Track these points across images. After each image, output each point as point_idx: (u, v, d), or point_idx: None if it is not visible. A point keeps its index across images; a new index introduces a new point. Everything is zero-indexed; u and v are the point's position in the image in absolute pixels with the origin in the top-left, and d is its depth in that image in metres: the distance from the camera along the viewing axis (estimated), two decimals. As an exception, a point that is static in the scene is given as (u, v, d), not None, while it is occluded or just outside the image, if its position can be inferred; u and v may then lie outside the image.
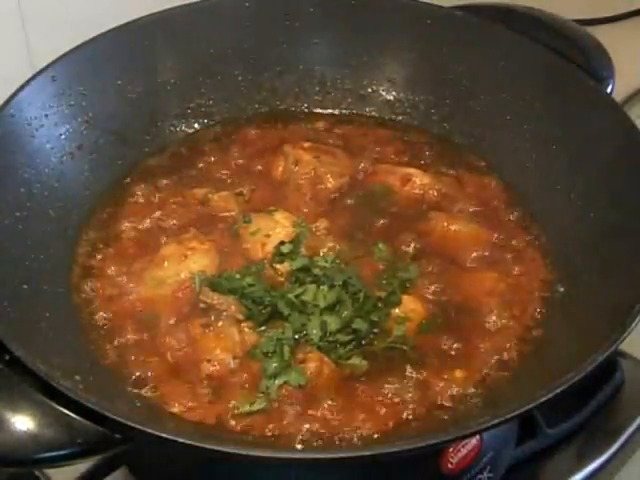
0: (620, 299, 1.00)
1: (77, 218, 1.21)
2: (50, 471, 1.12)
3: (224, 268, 1.15)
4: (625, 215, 1.12)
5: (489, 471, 1.13)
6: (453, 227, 1.22)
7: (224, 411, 1.00)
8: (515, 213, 1.26)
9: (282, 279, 1.14)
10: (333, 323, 1.06)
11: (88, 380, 0.94)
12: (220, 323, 1.08)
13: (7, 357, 0.90)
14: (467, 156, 1.36)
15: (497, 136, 1.35)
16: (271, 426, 0.98)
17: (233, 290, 1.11)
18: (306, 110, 1.45)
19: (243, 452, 0.85)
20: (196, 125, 1.40)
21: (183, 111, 1.39)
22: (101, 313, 1.11)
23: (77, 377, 0.92)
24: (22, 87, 1.20)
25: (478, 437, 1.11)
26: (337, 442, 0.97)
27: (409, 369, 1.05)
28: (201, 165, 1.33)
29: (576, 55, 1.28)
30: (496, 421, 0.87)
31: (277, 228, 1.19)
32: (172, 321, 1.10)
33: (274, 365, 1.03)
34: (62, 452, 0.86)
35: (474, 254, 1.20)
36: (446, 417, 1.00)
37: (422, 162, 1.34)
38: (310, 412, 1.00)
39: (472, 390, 1.03)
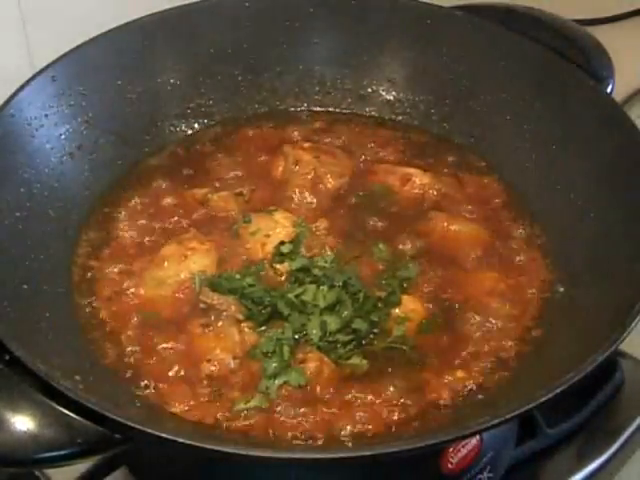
0: (620, 299, 1.00)
1: (77, 218, 1.21)
2: (50, 471, 1.12)
3: (224, 268, 1.15)
4: (625, 215, 1.12)
5: (489, 471, 1.13)
6: (453, 227, 1.22)
7: (224, 411, 1.00)
8: (515, 213, 1.26)
9: (282, 279, 1.14)
10: (333, 323, 1.06)
11: (88, 380, 0.94)
12: (220, 323, 1.08)
13: (7, 357, 0.90)
14: (467, 156, 1.36)
15: (497, 136, 1.35)
16: (271, 426, 0.98)
17: (233, 290, 1.11)
18: (306, 110, 1.45)
19: (243, 452, 0.85)
20: (196, 125, 1.40)
21: (183, 111, 1.39)
22: (101, 313, 1.11)
23: (77, 377, 0.92)
24: (22, 87, 1.20)
25: (478, 437, 1.11)
26: (337, 442, 0.97)
27: (409, 369, 1.05)
28: (201, 165, 1.33)
29: (576, 55, 1.28)
30: (496, 421, 0.87)
31: (277, 228, 1.19)
32: (172, 321, 1.10)
33: (274, 365, 1.03)
34: (62, 452, 0.86)
35: (474, 254, 1.20)
36: (446, 417, 1.00)
37: (422, 162, 1.34)
38: (310, 412, 0.99)
39: (472, 390, 1.03)
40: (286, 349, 1.04)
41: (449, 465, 1.08)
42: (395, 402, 1.01)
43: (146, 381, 1.03)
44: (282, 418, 0.99)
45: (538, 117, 1.30)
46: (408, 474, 1.09)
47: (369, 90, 1.45)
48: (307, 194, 1.27)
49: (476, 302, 1.13)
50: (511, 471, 1.16)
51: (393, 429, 0.99)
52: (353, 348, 1.06)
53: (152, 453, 1.10)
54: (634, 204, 1.11)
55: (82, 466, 1.10)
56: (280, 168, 1.31)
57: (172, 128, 1.38)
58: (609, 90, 1.27)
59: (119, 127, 1.31)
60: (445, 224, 1.22)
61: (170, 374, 1.04)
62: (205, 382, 1.03)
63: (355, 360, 1.05)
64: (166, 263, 1.14)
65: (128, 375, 1.04)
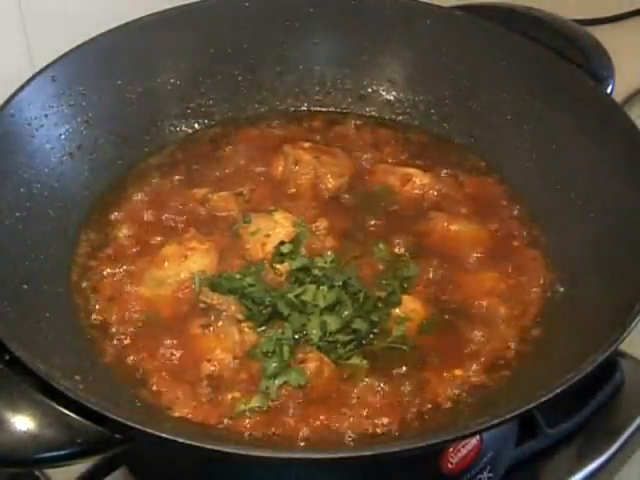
0: (620, 299, 1.00)
1: (77, 218, 1.21)
2: (50, 471, 1.12)
3: (224, 268, 1.15)
4: (625, 215, 1.12)
5: (489, 471, 1.13)
6: (453, 227, 1.22)
7: (224, 411, 1.00)
8: (515, 213, 1.26)
9: (282, 279, 1.14)
10: (333, 323, 1.06)
11: (88, 380, 0.94)
12: (220, 323, 1.08)
13: (7, 357, 0.90)
14: (467, 156, 1.36)
15: (497, 136, 1.35)
16: (271, 426, 0.98)
17: (233, 290, 1.11)
18: (306, 110, 1.45)
19: (243, 452, 0.85)
20: (196, 125, 1.40)
21: (183, 111, 1.39)
22: (101, 313, 1.11)
23: (77, 377, 0.92)
24: (22, 87, 1.20)
25: (478, 437, 1.11)
26: (337, 442, 0.97)
27: (409, 369, 1.05)
28: (201, 165, 1.33)
29: (576, 55, 1.28)
30: (496, 421, 0.87)
31: (277, 228, 1.19)
32: (172, 321, 1.10)
33: (274, 365, 1.03)
34: (62, 452, 0.86)
35: (474, 254, 1.20)
36: (446, 417, 1.00)
37: (422, 162, 1.34)
38: (310, 412, 1.00)
39: (472, 390, 1.03)
40: (286, 349, 1.04)
41: (449, 465, 1.08)
42: (395, 402, 1.01)
43: (146, 381, 1.03)
44: (282, 418, 0.99)
45: (538, 117, 1.30)
46: (408, 474, 1.09)
47: (369, 90, 1.45)
48: (307, 194, 1.27)
49: (476, 302, 1.13)
50: (511, 471, 1.16)
51: (393, 429, 0.99)
52: (353, 348, 1.06)
53: (152, 453, 1.10)
54: (634, 204, 1.11)
55: (82, 466, 1.10)
56: (280, 168, 1.31)
57: (172, 128, 1.38)
58: (609, 90, 1.27)
59: (119, 127, 1.31)
60: (445, 224, 1.22)
61: (170, 374, 1.04)
62: (205, 382, 1.03)
63: (355, 360, 1.05)
64: (166, 263, 1.14)
65: (128, 375, 1.04)
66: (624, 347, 1.12)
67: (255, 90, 1.43)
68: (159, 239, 1.20)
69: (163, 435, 0.84)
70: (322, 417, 0.99)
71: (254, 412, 0.99)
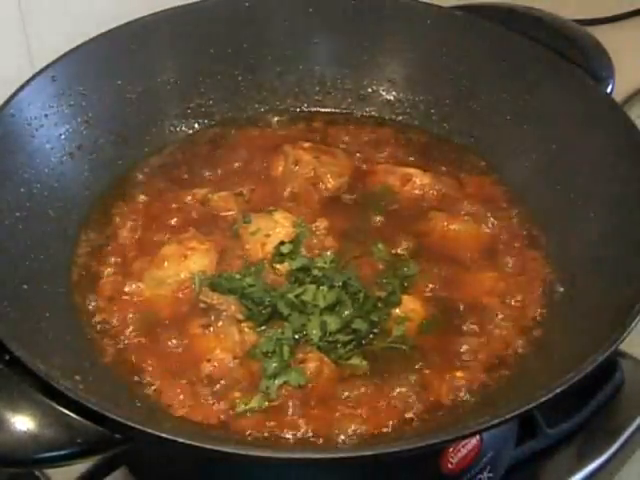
0: (620, 299, 1.00)
1: (77, 218, 1.21)
2: (50, 471, 1.12)
3: (224, 268, 1.15)
4: (625, 215, 1.12)
5: (489, 471, 1.13)
6: (453, 227, 1.22)
7: (224, 411, 1.00)
8: (515, 213, 1.26)
9: (282, 279, 1.14)
10: (333, 323, 1.06)
11: (88, 380, 0.94)
12: (220, 323, 1.08)
13: (7, 357, 0.90)
14: (467, 156, 1.36)
15: (497, 136, 1.35)
16: (271, 426, 0.98)
17: (233, 290, 1.11)
18: (306, 110, 1.45)
19: (243, 452, 0.85)
20: (196, 125, 1.40)
21: (183, 111, 1.39)
22: (101, 313, 1.11)
23: (77, 377, 0.92)
24: (22, 87, 1.20)
25: (478, 437, 1.11)
26: (337, 442, 0.97)
27: (409, 369, 1.05)
28: (201, 165, 1.33)
29: (576, 55, 1.28)
30: (496, 421, 0.87)
31: (277, 228, 1.19)
32: (172, 321, 1.10)
33: (274, 365, 1.03)
34: (62, 452, 0.86)
35: (474, 254, 1.20)
36: (446, 417, 1.00)
37: (422, 162, 1.34)
38: (310, 412, 1.00)
39: (472, 390, 1.03)
40: (286, 349, 1.04)
41: (449, 465, 1.08)
42: (395, 402, 1.01)
43: (146, 381, 1.03)
44: (282, 418, 0.99)
45: (538, 117, 1.30)
46: (408, 474, 1.09)
47: (369, 90, 1.45)
48: (307, 194, 1.27)
49: (476, 302, 1.13)
50: (511, 471, 1.16)
51: (393, 429, 0.99)
52: (353, 348, 1.06)
53: (152, 453, 1.10)
54: (634, 204, 1.11)
55: (82, 466, 1.10)
56: (280, 168, 1.31)
57: (172, 128, 1.38)
58: (609, 90, 1.27)
59: (119, 127, 1.31)
60: (445, 224, 1.22)
61: (170, 374, 1.04)
62: (205, 382, 1.03)
63: (355, 360, 1.05)
64: (166, 263, 1.14)
65: (128, 375, 1.04)
66: (624, 347, 1.12)
67: (255, 90, 1.43)
68: (159, 239, 1.20)
69: (163, 435, 0.84)
70: (322, 417, 0.99)
71: (254, 412, 1.00)
